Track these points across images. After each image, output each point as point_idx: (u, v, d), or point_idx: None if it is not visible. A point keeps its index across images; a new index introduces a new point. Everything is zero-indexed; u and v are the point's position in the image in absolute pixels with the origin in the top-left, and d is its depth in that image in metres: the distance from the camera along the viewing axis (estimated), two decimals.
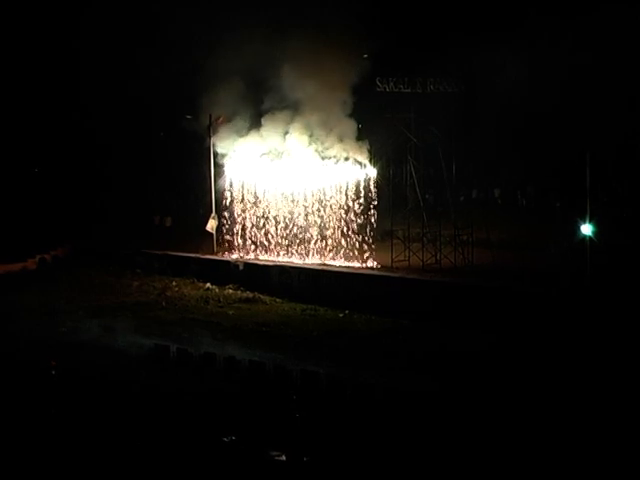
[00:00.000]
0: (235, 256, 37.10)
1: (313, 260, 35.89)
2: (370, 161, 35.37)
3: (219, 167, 37.74)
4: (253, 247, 37.15)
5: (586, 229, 30.51)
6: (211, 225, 37.81)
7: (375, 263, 34.55)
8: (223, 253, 37.59)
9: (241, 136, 36.65)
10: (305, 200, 36.09)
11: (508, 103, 37.84)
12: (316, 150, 35.70)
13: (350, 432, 19.95)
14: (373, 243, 35.19)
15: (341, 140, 35.36)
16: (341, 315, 30.92)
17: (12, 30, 43.40)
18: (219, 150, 37.50)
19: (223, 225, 37.79)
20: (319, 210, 35.95)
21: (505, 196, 46.82)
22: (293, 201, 36.29)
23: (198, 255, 37.70)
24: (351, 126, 35.31)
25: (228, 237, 37.60)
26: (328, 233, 35.79)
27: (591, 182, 30.61)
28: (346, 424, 20.37)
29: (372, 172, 35.44)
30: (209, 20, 35.75)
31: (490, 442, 19.02)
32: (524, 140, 41.97)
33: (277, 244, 36.74)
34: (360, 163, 35.44)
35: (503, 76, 35.21)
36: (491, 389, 22.11)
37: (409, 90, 34.51)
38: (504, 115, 39.44)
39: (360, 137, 35.46)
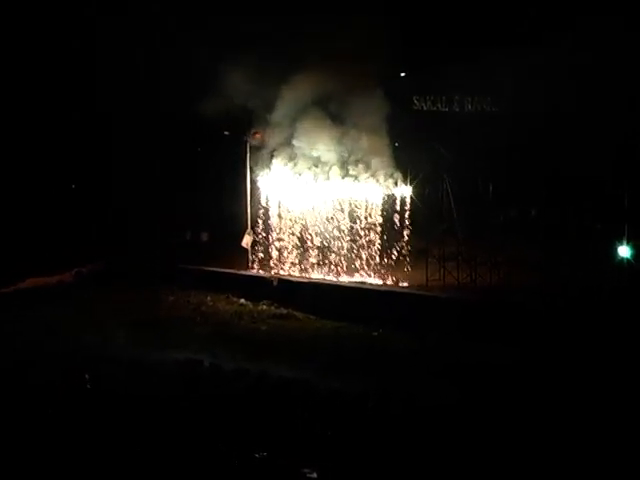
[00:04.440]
0: (270, 272, 37.20)
1: (347, 278, 35.87)
2: (406, 179, 35.30)
3: (255, 183, 37.88)
4: (287, 263, 37.24)
5: (624, 251, 30.30)
6: (246, 241, 37.89)
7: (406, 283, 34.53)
8: (258, 269, 37.69)
9: (277, 152, 36.79)
10: (340, 217, 36.12)
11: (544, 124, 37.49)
12: (352, 167, 35.70)
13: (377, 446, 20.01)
14: (408, 261, 35.08)
15: (377, 157, 35.32)
16: (375, 334, 30.68)
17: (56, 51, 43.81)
18: (255, 165, 37.65)
19: (258, 241, 37.92)
20: (353, 228, 35.96)
21: (542, 216, 46.28)
22: (328, 219, 36.35)
23: (233, 270, 37.75)
24: (387, 143, 35.27)
25: (263, 253, 37.72)
26: (362, 251, 35.77)
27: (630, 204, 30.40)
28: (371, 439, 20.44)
29: (407, 190, 35.38)
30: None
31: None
32: (564, 159, 41.49)
33: (311, 261, 36.77)
34: (395, 180, 35.39)
35: (537, 94, 34.79)
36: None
37: (447, 109, 34.48)
38: (541, 134, 39.05)
39: (396, 154, 35.42)
